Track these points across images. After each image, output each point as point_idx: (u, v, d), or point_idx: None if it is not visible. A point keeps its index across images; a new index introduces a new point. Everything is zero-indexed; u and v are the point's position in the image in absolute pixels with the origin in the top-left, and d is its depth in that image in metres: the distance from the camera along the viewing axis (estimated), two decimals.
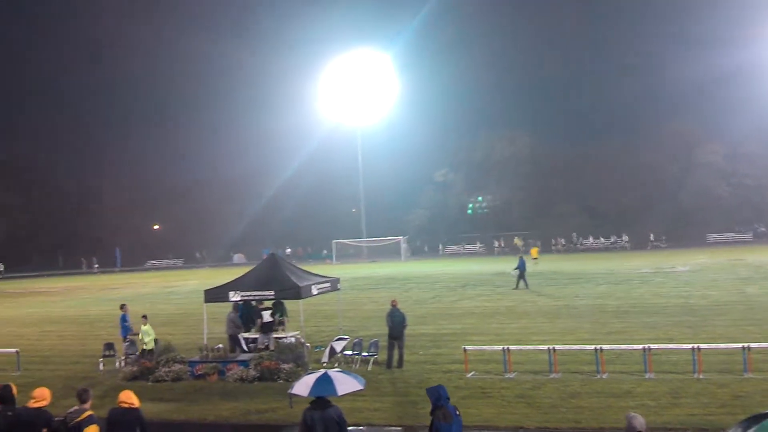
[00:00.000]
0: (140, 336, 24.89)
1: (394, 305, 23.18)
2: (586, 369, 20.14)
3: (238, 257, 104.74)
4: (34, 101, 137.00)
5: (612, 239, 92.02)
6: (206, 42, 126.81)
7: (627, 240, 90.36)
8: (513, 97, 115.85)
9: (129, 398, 11.66)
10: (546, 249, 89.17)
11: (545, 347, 20.92)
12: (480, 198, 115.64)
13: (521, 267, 43.48)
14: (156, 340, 25.34)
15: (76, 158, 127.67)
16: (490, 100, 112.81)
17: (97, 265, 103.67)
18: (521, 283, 43.04)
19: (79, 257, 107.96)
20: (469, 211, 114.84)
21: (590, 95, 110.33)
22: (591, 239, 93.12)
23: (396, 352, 22.41)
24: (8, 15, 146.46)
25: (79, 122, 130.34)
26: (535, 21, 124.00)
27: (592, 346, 20.54)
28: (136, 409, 11.70)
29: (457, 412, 11.12)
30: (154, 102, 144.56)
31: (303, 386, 11.97)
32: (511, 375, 20.10)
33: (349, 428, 15.55)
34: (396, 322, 22.54)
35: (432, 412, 11.05)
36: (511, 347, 21.23)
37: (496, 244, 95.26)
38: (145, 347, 24.32)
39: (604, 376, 19.45)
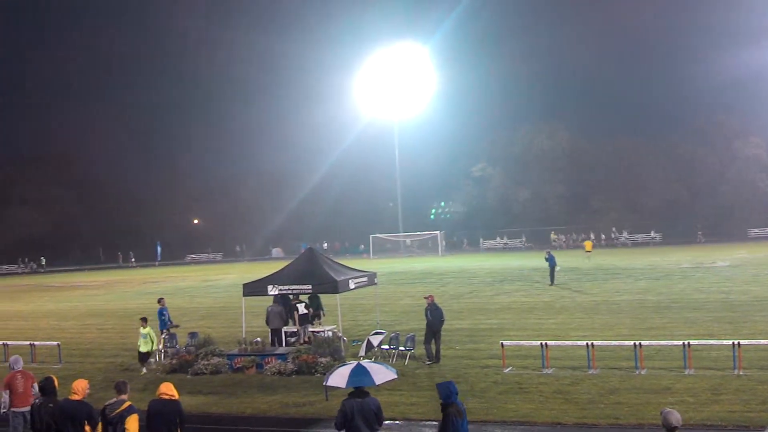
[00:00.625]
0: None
1: (432, 300, 23.14)
2: (624, 365, 19.99)
3: (276, 251, 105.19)
4: (78, 96, 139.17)
5: (613, 235, 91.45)
6: (244, 36, 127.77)
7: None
8: (552, 90, 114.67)
9: (169, 390, 11.83)
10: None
11: (583, 343, 20.79)
12: (443, 203, 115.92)
13: (551, 262, 42.68)
14: (183, 334, 25.53)
15: (118, 152, 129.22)
16: (529, 93, 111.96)
17: (133, 260, 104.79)
18: (552, 278, 42.41)
19: (119, 251, 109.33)
20: (432, 217, 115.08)
21: (630, 88, 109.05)
22: (625, 234, 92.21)
23: (433, 347, 22.43)
24: (58, 16, 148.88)
25: (122, 117, 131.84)
26: (575, 13, 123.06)
27: (631, 342, 20.39)
28: (176, 401, 11.86)
29: (463, 407, 11.22)
30: (194, 97, 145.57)
31: (339, 378, 12.07)
32: (549, 370, 20.02)
33: (386, 422, 15.64)
34: (435, 317, 22.55)
35: (444, 409, 11.09)
36: (549, 342, 21.16)
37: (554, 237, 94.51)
38: (140, 350, 23.83)
39: (643, 371, 19.30)
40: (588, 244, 64.16)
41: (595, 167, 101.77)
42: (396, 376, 12.62)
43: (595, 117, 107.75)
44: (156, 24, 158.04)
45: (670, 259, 56.99)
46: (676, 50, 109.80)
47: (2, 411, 15.30)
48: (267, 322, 25.58)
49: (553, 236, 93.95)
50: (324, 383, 12.76)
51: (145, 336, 23.64)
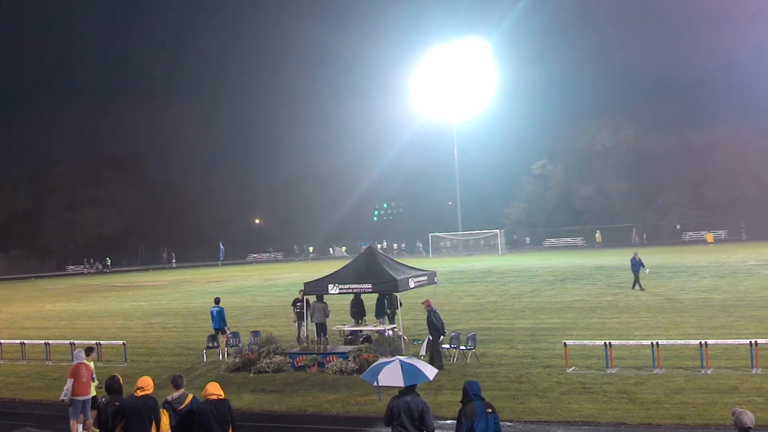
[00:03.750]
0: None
1: (431, 306, 22.52)
2: (690, 364, 19.64)
3: (337, 250, 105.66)
4: (148, 100, 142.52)
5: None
6: (302, 34, 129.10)
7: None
8: (615, 85, 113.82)
9: (217, 390, 11.98)
10: (655, 240, 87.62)
11: (648, 342, 20.49)
12: (385, 205, 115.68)
13: (635, 267, 38.81)
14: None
15: (184, 154, 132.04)
16: (591, 89, 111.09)
17: (174, 261, 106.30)
18: (637, 283, 38.56)
19: (163, 252, 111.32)
20: (375, 219, 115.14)
21: (694, 80, 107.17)
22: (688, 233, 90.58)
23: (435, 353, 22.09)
24: (133, 25, 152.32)
25: (189, 120, 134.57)
26: (638, 7, 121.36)
27: (697, 341, 20.01)
28: (225, 400, 12.03)
29: (489, 410, 10.92)
30: (253, 97, 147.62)
31: (394, 377, 12.01)
32: (613, 370, 19.75)
33: (447, 422, 15.61)
34: (440, 323, 22.05)
35: (461, 408, 11.05)
36: (613, 342, 20.84)
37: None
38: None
39: (709, 371, 18.93)
40: (709, 237, 63.91)
41: (660, 163, 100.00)
42: (438, 371, 12.64)
43: (659, 112, 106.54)
44: (221, 27, 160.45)
45: (736, 256, 55.84)
46: (744, 42, 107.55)
47: (63, 398, 16.35)
48: (311, 318, 25.82)
49: (597, 236, 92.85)
50: (375, 384, 12.67)
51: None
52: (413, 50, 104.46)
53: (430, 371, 12.26)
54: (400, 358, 12.64)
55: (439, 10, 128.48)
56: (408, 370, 11.99)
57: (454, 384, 18.99)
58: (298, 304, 26.83)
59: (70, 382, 16.11)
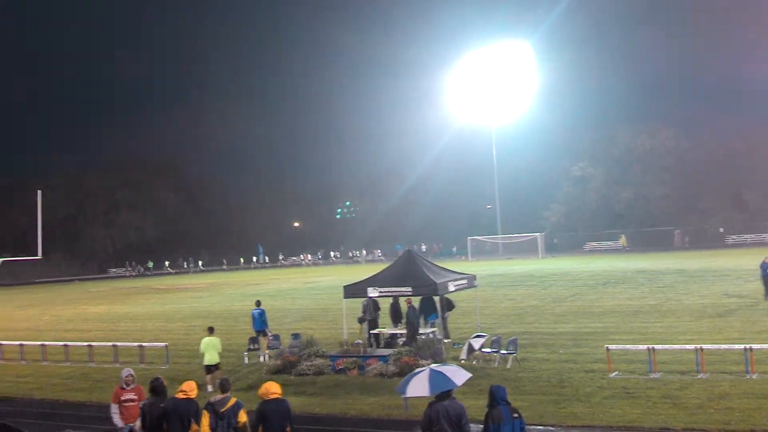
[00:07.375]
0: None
1: (410, 303, 24.57)
2: (735, 369, 19.36)
3: (375, 253, 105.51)
4: (185, 103, 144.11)
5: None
6: (338, 39, 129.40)
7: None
8: (655, 87, 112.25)
9: (277, 389, 12.12)
10: (697, 244, 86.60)
11: (692, 347, 20.23)
12: (348, 203, 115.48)
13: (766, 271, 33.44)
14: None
15: (223, 158, 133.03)
16: (631, 91, 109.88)
17: (201, 263, 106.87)
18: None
19: (186, 256, 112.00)
20: (338, 216, 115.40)
21: (735, 83, 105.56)
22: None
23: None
24: (163, 29, 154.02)
25: (226, 125, 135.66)
26: (679, 10, 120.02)
27: (742, 345, 19.75)
28: (284, 400, 12.15)
29: (515, 415, 10.98)
30: (290, 101, 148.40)
31: (420, 386, 11.95)
32: (657, 375, 19.54)
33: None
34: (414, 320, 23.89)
35: (487, 412, 11.08)
36: (656, 347, 20.64)
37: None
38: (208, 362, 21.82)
39: (755, 376, 18.66)
40: None
41: (702, 166, 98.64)
42: (471, 375, 12.53)
43: (700, 115, 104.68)
44: (259, 33, 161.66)
45: None
46: None
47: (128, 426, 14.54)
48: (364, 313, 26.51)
49: (622, 240, 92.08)
50: (402, 396, 12.49)
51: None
52: (452, 53, 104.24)
53: (460, 377, 12.14)
54: (432, 366, 12.56)
55: (478, 12, 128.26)
56: (435, 378, 11.92)
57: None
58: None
59: (114, 407, 14.53)
